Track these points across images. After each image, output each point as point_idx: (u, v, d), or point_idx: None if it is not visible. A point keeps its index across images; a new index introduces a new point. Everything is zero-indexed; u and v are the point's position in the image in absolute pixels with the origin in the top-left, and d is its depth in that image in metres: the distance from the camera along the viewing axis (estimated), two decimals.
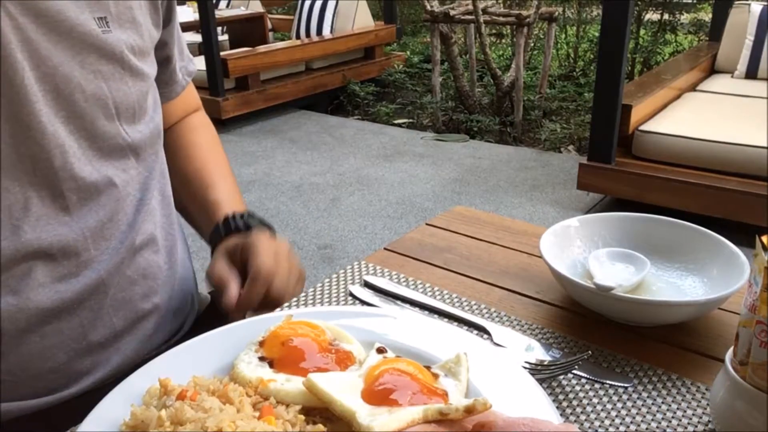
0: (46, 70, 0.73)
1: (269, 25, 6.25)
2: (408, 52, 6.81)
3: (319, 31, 5.88)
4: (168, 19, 0.93)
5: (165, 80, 0.99)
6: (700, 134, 3.25)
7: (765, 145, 3.08)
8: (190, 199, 1.01)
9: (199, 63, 4.60)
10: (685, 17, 6.17)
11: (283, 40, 6.23)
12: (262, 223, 0.92)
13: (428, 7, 4.90)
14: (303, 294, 0.84)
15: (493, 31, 6.98)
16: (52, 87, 0.74)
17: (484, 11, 4.78)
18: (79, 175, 0.77)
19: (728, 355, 0.56)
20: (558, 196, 3.71)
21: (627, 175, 3.31)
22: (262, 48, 5.25)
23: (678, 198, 3.16)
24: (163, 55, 0.96)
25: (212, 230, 0.93)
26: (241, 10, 6.03)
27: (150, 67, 0.87)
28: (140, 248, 0.87)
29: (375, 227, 3.48)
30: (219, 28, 5.39)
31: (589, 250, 0.80)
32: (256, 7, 6.29)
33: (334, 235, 3.41)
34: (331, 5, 5.90)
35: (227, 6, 6.49)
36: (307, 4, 6.02)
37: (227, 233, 0.90)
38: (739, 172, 3.12)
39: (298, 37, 5.98)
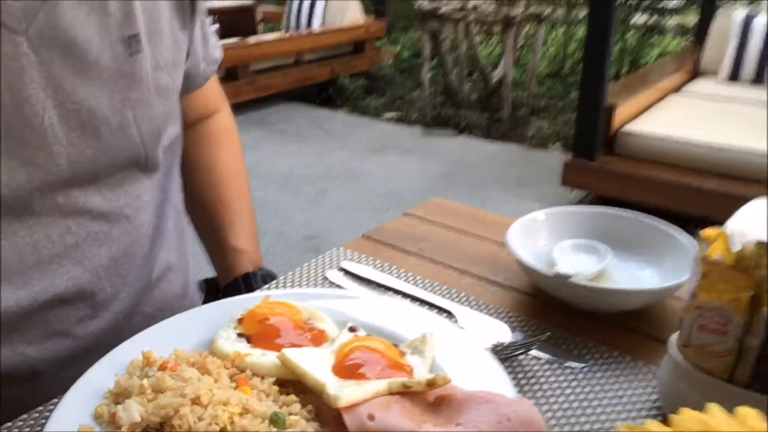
0: (71, 107, 0.69)
1: (260, 16, 6.25)
2: (398, 47, 6.83)
3: (310, 24, 5.89)
4: (193, 10, 0.86)
5: (183, 74, 0.89)
6: (682, 135, 3.31)
7: (744, 146, 3.15)
8: (206, 230, 0.99)
9: None
10: (671, 20, 6.24)
11: (273, 31, 6.23)
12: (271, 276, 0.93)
13: (419, 4, 4.93)
14: (282, 276, 0.87)
15: (483, 29, 7.02)
16: (78, 124, 0.70)
17: (474, 9, 4.82)
18: (85, 208, 0.74)
19: (673, 338, 0.60)
20: (543, 192, 3.76)
21: (610, 174, 3.36)
22: (252, 39, 5.26)
23: (659, 197, 3.21)
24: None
25: (230, 282, 0.93)
26: (231, 1, 6.02)
27: (177, 77, 0.83)
28: (157, 281, 0.85)
29: (361, 219, 3.52)
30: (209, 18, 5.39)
31: (555, 241, 0.85)
32: None
33: (321, 226, 3.45)
34: None
35: None
36: None
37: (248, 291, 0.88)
38: (719, 173, 3.19)
39: (288, 29, 5.98)
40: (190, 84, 0.93)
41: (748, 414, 0.40)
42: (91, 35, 0.69)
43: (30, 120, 0.66)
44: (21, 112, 0.66)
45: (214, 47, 0.96)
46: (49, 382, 0.76)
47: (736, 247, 0.54)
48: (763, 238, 0.53)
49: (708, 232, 0.57)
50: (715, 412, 0.41)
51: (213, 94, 1.02)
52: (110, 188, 0.76)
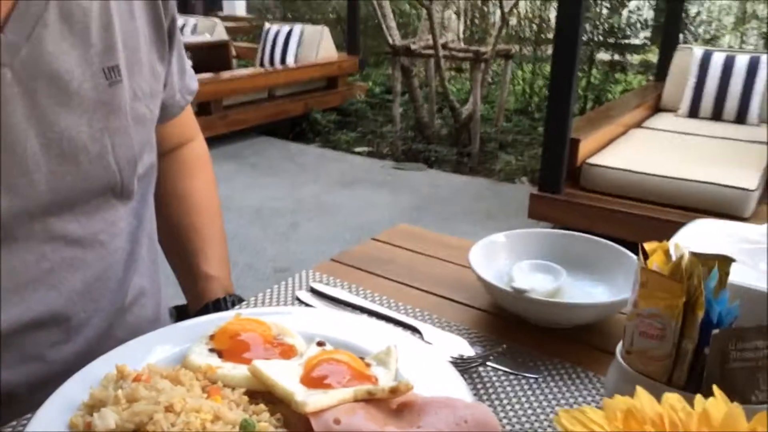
0: (52, 136, 0.71)
1: (233, 53, 6.33)
2: (370, 83, 6.96)
3: (283, 60, 5.98)
4: (171, 43, 0.88)
5: (160, 103, 0.91)
6: (643, 168, 3.43)
7: (703, 179, 3.27)
8: (177, 256, 1.01)
9: None
10: (634, 58, 6.48)
11: (247, 67, 6.31)
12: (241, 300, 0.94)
13: (390, 41, 5.05)
14: (253, 297, 0.90)
15: (453, 66, 7.20)
16: (58, 152, 0.71)
17: (444, 46, 4.95)
18: (60, 234, 0.75)
19: (619, 347, 0.65)
20: (511, 225, 3.82)
21: (575, 206, 3.45)
22: (225, 74, 5.32)
23: (622, 228, 3.29)
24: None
25: (201, 309, 0.94)
26: (206, 37, 6.10)
27: (154, 107, 0.85)
28: (130, 306, 0.87)
29: (332, 252, 3.52)
30: None
31: (514, 262, 0.89)
32: (222, 35, 6.37)
33: (292, 259, 3.47)
34: (295, 35, 6.02)
35: (192, 32, 6.55)
36: (272, 33, 6.13)
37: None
38: (679, 205, 3.30)
39: (262, 65, 6.07)
40: (166, 113, 0.94)
41: (671, 397, 0.44)
42: (73, 66, 0.72)
43: (12, 148, 0.68)
44: (4, 140, 0.68)
45: (190, 78, 0.99)
46: (21, 405, 0.77)
47: (673, 259, 0.59)
48: (696, 250, 0.58)
49: (649, 245, 0.62)
50: (641, 395, 0.45)
51: (188, 123, 1.05)
52: (86, 215, 0.77)
